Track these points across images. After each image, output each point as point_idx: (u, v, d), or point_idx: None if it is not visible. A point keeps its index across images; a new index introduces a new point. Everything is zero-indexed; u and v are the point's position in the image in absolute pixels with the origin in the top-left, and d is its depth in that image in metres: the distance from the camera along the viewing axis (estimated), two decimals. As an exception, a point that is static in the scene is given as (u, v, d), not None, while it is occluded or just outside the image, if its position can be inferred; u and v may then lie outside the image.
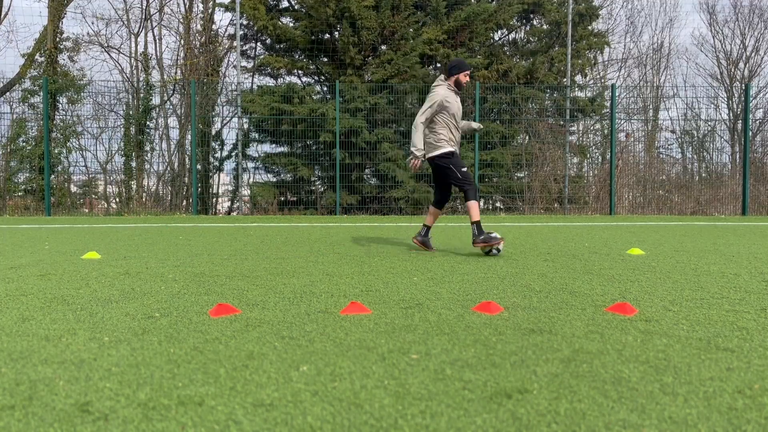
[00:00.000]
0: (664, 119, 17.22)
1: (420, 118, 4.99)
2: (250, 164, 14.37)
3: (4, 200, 13.41)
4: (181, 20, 16.78)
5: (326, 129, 13.23)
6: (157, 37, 16.96)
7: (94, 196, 14.52)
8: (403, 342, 2.24)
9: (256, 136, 14.40)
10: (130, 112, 14.19)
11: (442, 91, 5.00)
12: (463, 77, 5.05)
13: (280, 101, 13.45)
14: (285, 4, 15.64)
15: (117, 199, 14.28)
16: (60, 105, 13.90)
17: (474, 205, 5.01)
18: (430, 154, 5.10)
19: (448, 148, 5.05)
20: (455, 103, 5.07)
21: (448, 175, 5.09)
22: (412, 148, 5.03)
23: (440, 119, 5.04)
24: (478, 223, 4.98)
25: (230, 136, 19.92)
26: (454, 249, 5.56)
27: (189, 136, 14.33)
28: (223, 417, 1.52)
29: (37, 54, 14.90)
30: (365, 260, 4.69)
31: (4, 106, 14.15)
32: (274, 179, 14.24)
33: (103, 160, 14.57)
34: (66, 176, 13.87)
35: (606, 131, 14.65)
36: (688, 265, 4.45)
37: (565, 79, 14.49)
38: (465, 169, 5.06)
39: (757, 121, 17.17)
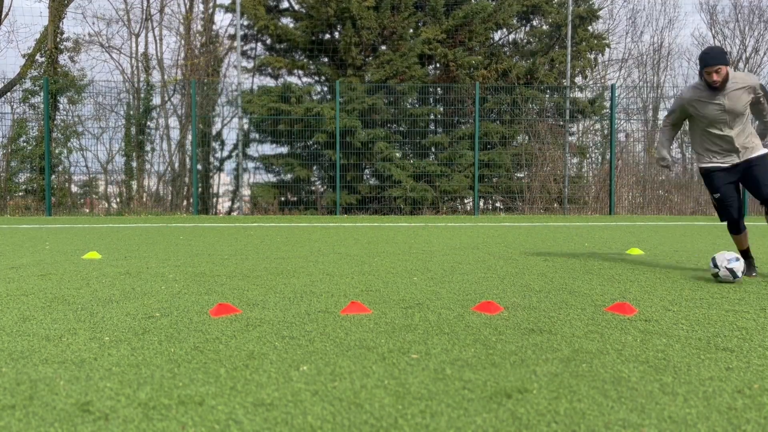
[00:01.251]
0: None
1: (664, 120, 4.33)
2: (251, 164, 14.39)
3: (4, 200, 13.41)
4: (182, 21, 16.79)
5: (321, 129, 13.24)
6: (157, 38, 16.96)
7: (94, 196, 14.52)
8: (403, 342, 2.24)
9: (257, 136, 14.41)
10: (131, 113, 14.20)
11: (687, 93, 4.04)
12: (706, 75, 3.88)
13: (277, 101, 13.46)
14: (285, 4, 15.65)
15: (117, 199, 14.28)
16: (60, 105, 13.90)
17: (735, 238, 4.22)
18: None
19: (701, 164, 4.13)
20: (709, 106, 3.93)
21: None
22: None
23: (694, 126, 4.11)
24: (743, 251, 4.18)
25: (230, 136, 19.92)
26: (455, 249, 5.56)
27: (189, 136, 14.33)
28: (224, 416, 1.53)
29: (38, 54, 14.90)
30: (365, 260, 4.69)
31: (5, 106, 14.14)
32: (275, 179, 14.25)
33: (104, 160, 14.59)
34: (66, 176, 13.86)
35: (606, 131, 14.66)
36: (687, 265, 4.45)
37: (565, 81, 14.49)
38: (718, 195, 4.08)
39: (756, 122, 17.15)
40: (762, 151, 4.02)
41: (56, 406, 1.60)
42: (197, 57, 15.77)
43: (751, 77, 3.95)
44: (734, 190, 4.11)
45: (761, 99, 3.99)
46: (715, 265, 3.71)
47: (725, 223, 4.19)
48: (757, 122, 4.16)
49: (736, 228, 4.15)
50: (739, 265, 3.67)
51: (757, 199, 4.03)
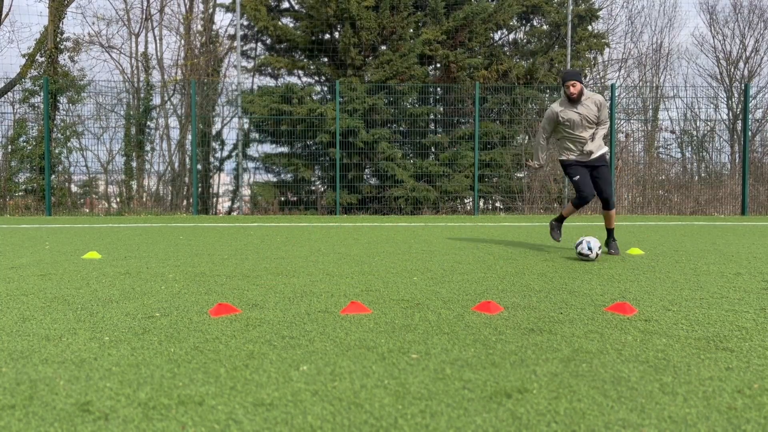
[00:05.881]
0: (664, 119, 17.22)
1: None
2: (251, 164, 14.39)
3: (4, 200, 13.41)
4: (182, 20, 16.79)
5: (324, 129, 13.24)
6: (157, 38, 16.96)
7: (94, 195, 14.52)
8: (403, 342, 2.24)
9: (257, 136, 14.41)
10: (131, 112, 14.20)
11: (555, 106, 5.22)
12: (565, 88, 5.10)
13: (279, 101, 13.46)
14: (285, 4, 15.65)
15: (117, 199, 14.28)
16: (60, 105, 13.90)
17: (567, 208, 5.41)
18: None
19: (563, 156, 5.28)
20: (570, 114, 5.14)
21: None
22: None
23: (559, 130, 5.26)
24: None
25: (230, 136, 19.93)
26: (455, 249, 5.56)
27: (189, 136, 14.33)
28: (224, 416, 1.53)
29: (38, 54, 14.90)
30: (365, 260, 4.69)
31: (5, 106, 14.14)
32: (275, 179, 14.24)
33: (104, 160, 14.59)
34: (66, 176, 13.87)
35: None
36: (687, 264, 4.45)
37: (565, 80, 14.49)
38: (576, 178, 5.17)
39: (757, 121, 17.16)
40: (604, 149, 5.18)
41: (56, 406, 1.60)
42: (197, 57, 15.77)
43: (597, 95, 5.15)
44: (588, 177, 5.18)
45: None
46: (587, 246, 4.66)
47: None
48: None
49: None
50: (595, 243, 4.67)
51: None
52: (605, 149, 5.21)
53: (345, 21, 13.68)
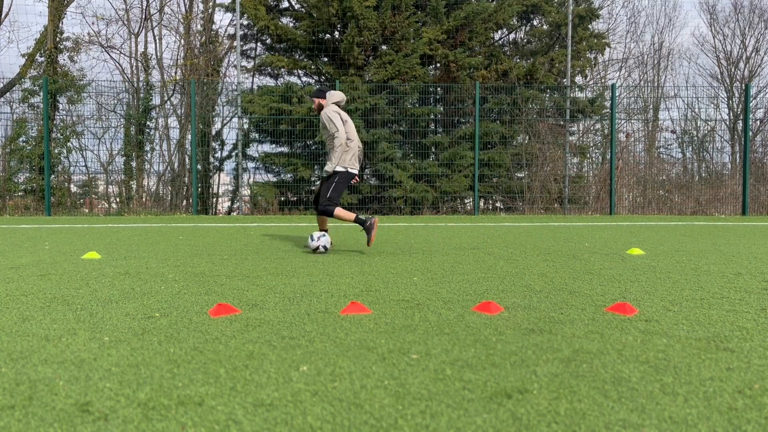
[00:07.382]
0: (665, 119, 17.23)
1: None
2: (250, 164, 14.38)
3: (4, 200, 13.40)
4: (182, 20, 16.78)
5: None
6: (157, 37, 16.95)
7: (94, 196, 14.51)
8: (403, 342, 2.24)
9: (256, 136, 14.40)
10: (131, 112, 14.19)
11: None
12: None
13: (278, 101, 13.45)
14: (285, 4, 15.64)
15: (117, 199, 14.28)
16: (60, 105, 13.90)
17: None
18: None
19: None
20: None
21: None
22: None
23: None
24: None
25: (230, 136, 19.93)
26: (455, 249, 5.56)
27: (189, 136, 14.33)
28: (223, 417, 1.52)
29: (38, 54, 14.90)
30: (365, 260, 4.69)
31: (5, 106, 14.13)
32: (275, 179, 14.24)
33: (104, 160, 14.59)
34: (66, 176, 13.86)
35: (606, 131, 14.66)
36: (688, 265, 4.45)
37: (565, 80, 14.49)
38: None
39: (757, 121, 17.16)
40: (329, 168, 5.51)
41: (56, 407, 1.59)
42: (197, 57, 15.77)
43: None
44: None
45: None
46: (315, 239, 5.14)
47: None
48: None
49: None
50: (327, 239, 5.16)
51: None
52: (332, 167, 5.53)
53: (349, 20, 13.67)
